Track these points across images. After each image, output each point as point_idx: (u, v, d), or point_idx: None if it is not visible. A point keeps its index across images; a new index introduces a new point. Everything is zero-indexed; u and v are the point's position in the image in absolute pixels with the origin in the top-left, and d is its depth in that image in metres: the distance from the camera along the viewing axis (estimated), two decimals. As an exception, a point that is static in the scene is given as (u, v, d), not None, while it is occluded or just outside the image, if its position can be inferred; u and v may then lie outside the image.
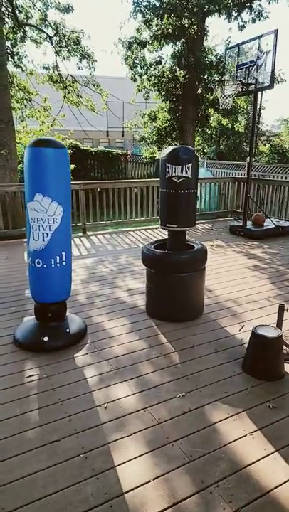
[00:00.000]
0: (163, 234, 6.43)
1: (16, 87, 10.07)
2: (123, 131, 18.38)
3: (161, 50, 8.55)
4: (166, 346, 2.85)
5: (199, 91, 8.50)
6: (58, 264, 2.78)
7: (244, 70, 5.89)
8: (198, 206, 7.80)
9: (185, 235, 3.36)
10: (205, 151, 10.07)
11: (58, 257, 2.77)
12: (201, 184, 7.74)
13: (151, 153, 9.23)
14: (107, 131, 22.02)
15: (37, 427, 2.03)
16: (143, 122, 9.15)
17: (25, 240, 6.67)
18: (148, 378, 2.45)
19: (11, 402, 2.23)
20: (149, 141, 8.85)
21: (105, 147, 19.72)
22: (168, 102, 8.68)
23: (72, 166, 11.34)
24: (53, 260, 2.75)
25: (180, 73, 8.29)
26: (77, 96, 9.70)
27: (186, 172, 3.02)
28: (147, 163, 15.16)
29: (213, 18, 8.32)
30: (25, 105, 10.33)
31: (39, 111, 10.51)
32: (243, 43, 6.00)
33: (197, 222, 8.26)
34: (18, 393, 2.31)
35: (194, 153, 3.14)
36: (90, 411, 2.15)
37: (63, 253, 2.80)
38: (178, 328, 3.13)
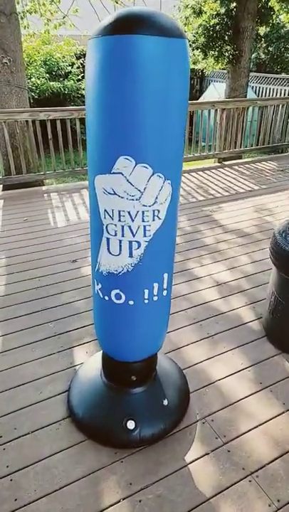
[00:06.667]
0: (222, 176, 4.85)
1: None
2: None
3: None
4: None
5: None
6: (155, 298, 1.40)
7: None
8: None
9: None
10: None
11: (156, 286, 1.38)
12: (253, 108, 5.85)
13: (194, 63, 7.04)
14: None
15: None
16: (184, 18, 6.86)
17: (46, 187, 5.13)
18: None
19: None
20: (194, 44, 6.67)
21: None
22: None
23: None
24: (146, 292, 1.37)
25: None
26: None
27: None
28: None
29: None
30: (26, -6, 7.88)
31: (44, 3, 8.07)
32: None
33: (253, 158, 6.58)
34: None
35: None
36: None
37: (165, 276, 1.40)
38: None
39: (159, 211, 1.25)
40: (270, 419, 1.67)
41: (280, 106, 6.00)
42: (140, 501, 1.36)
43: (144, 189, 1.19)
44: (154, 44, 1.08)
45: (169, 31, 1.10)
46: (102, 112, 1.17)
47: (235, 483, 1.42)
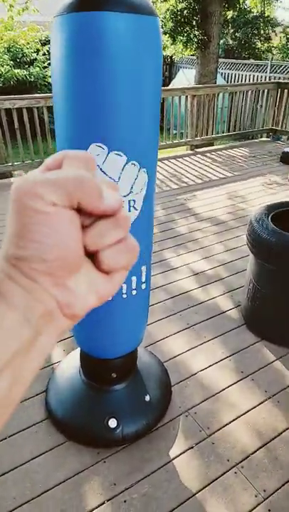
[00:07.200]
0: (195, 164, 4.82)
1: None
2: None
3: None
4: None
5: None
6: (134, 291, 1.34)
7: None
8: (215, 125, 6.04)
9: None
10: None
11: (134, 279, 1.32)
12: (223, 94, 5.84)
13: (163, 49, 6.92)
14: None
15: None
16: (150, 3, 6.68)
17: (15, 179, 4.83)
18: None
19: None
20: (162, 29, 6.54)
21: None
22: None
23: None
24: (125, 286, 1.31)
25: None
26: None
27: None
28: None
29: None
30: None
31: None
32: None
33: (225, 145, 6.58)
34: None
35: None
36: None
37: (143, 269, 1.35)
38: None
39: (135, 201, 1.18)
40: (252, 408, 1.67)
41: (249, 92, 6.01)
42: (125, 501, 1.32)
43: (119, 178, 1.12)
44: (123, 21, 1.00)
45: (139, 8, 1.03)
46: (69, 97, 1.08)
47: (220, 476, 1.40)
